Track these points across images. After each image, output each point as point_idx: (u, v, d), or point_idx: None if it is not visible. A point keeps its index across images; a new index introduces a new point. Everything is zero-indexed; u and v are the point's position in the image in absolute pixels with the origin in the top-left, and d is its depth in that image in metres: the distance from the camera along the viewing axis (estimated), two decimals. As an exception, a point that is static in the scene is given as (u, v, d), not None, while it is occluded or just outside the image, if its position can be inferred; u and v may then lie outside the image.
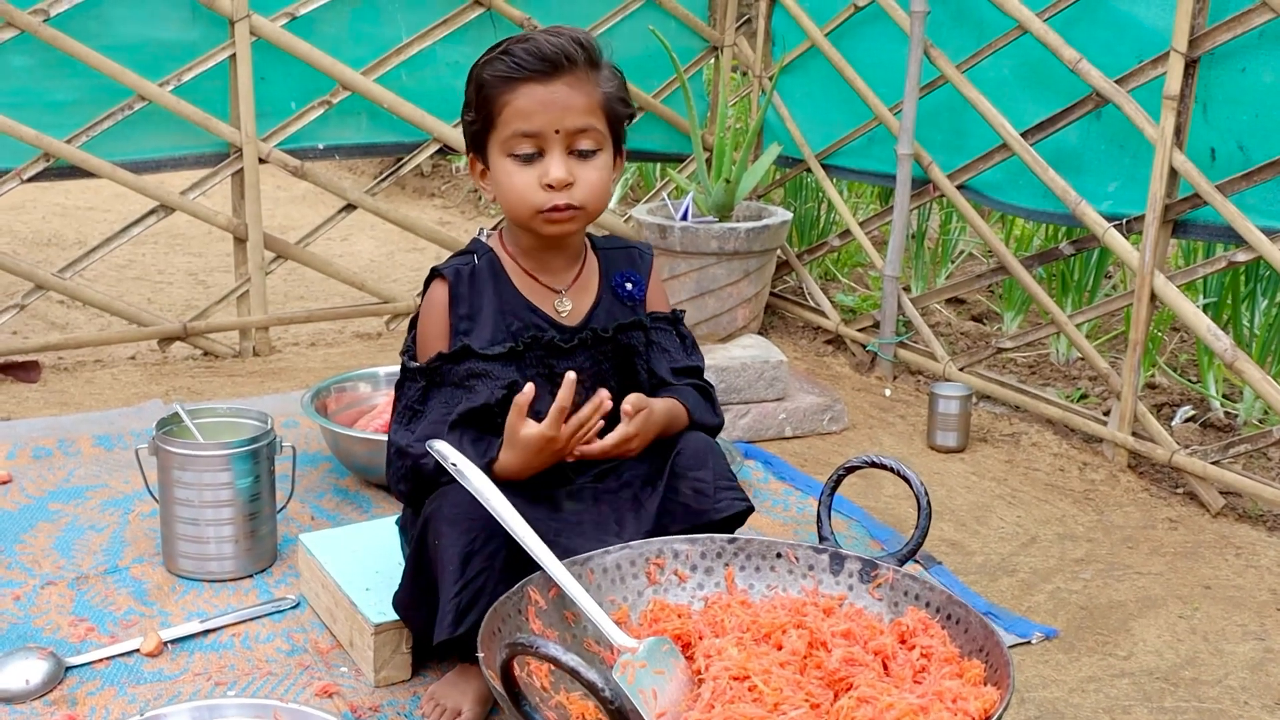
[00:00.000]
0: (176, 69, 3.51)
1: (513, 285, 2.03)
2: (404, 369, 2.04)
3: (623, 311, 2.09)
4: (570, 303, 2.06)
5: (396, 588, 2.04)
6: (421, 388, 2.00)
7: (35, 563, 2.48)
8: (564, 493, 2.05)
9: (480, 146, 2.00)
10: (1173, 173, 2.91)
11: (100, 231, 3.65)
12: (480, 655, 1.48)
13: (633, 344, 2.08)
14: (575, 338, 2.03)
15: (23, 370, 3.51)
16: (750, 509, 2.01)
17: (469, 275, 2.02)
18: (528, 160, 1.94)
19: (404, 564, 2.15)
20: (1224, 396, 3.46)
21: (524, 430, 1.90)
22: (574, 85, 1.93)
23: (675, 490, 1.99)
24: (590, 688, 1.20)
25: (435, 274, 2.04)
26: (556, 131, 1.92)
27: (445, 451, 1.79)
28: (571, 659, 1.21)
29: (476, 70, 1.97)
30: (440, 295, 2.01)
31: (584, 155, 1.95)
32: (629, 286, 2.10)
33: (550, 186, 1.93)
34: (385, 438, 2.71)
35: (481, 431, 1.97)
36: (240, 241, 3.71)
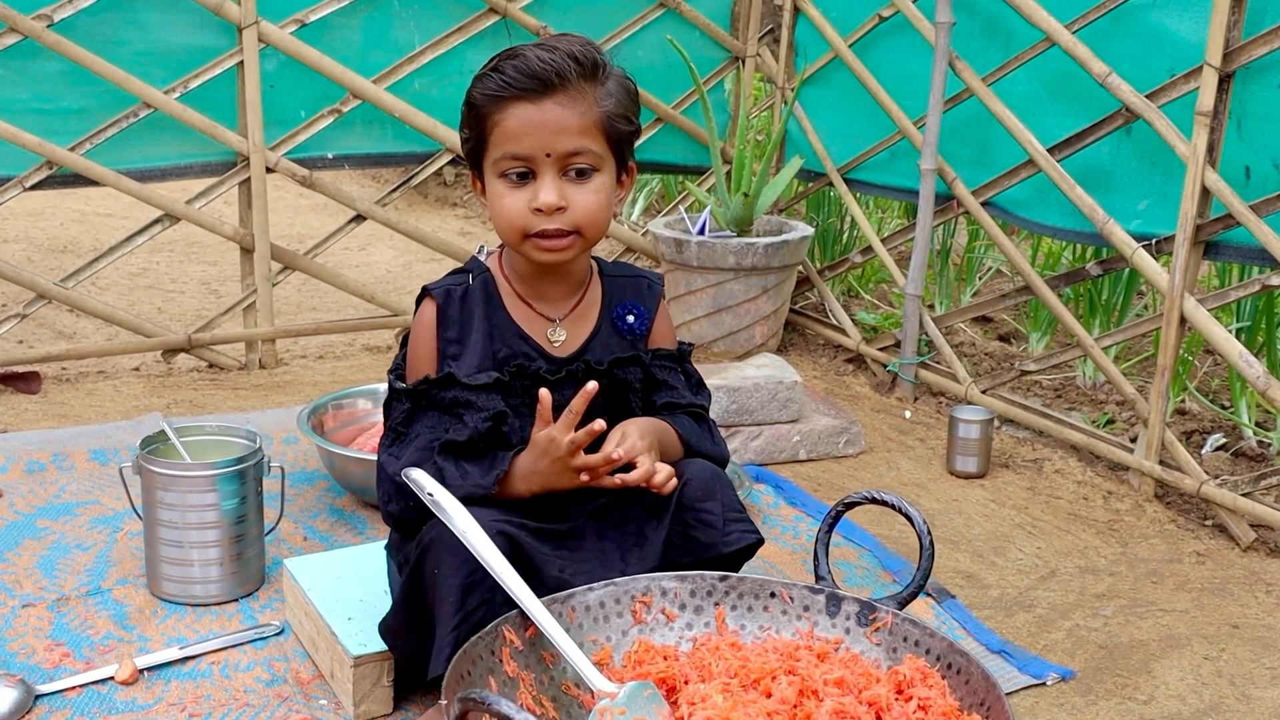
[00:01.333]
0: (183, 76, 3.45)
1: (505, 310, 1.96)
2: (391, 389, 1.97)
3: (621, 346, 2.00)
4: (564, 333, 1.97)
5: (385, 614, 1.96)
6: (407, 410, 1.94)
7: (16, 583, 2.41)
8: (565, 528, 1.96)
9: (476, 164, 1.93)
10: (1205, 191, 2.80)
11: (117, 239, 3.58)
12: (443, 703, 1.39)
13: (628, 379, 1.99)
14: (564, 370, 1.94)
15: (23, 381, 3.45)
16: (760, 541, 1.92)
17: (460, 296, 1.94)
18: (519, 181, 1.86)
19: (392, 589, 2.07)
20: (1257, 424, 3.33)
21: (536, 432, 1.85)
22: (566, 104, 1.82)
23: (683, 523, 1.90)
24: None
25: (425, 293, 1.97)
26: (547, 155, 1.83)
27: (422, 481, 1.71)
28: (524, 717, 1.11)
29: (471, 86, 1.90)
30: (428, 316, 1.94)
31: (580, 176, 1.86)
32: (630, 320, 2.01)
33: (540, 210, 1.84)
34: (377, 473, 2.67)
35: (469, 459, 1.89)
36: (247, 252, 3.65)
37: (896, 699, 1.55)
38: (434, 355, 1.93)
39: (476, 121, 1.87)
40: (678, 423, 1.99)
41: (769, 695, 1.56)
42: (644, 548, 1.91)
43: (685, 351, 2.08)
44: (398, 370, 2.00)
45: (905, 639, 1.65)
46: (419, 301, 1.98)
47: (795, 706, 1.55)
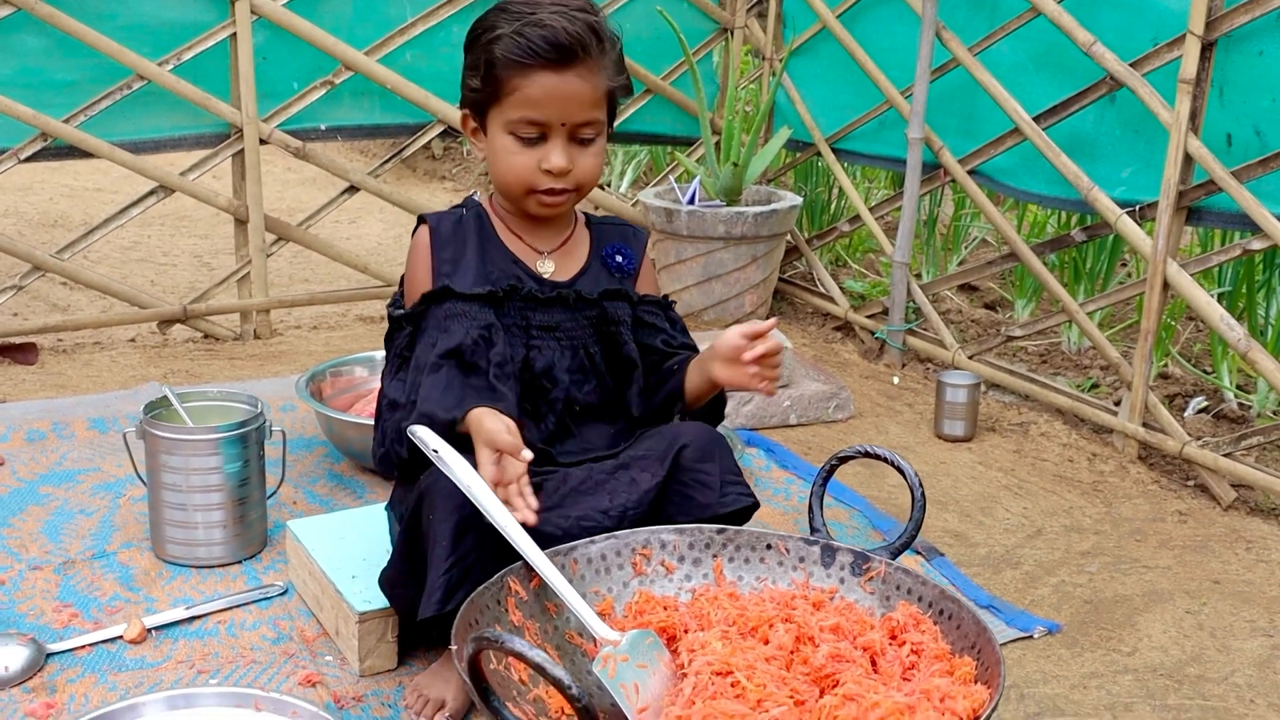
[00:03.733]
0: (176, 48, 3.47)
1: (498, 238, 2.03)
2: (391, 320, 2.03)
3: (610, 281, 2.07)
4: (553, 265, 2.05)
5: (385, 565, 2.00)
6: (408, 334, 1.98)
7: (22, 547, 2.45)
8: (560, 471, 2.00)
9: (479, 110, 1.98)
10: (1187, 158, 2.84)
11: (107, 213, 3.60)
12: (454, 647, 1.44)
13: (616, 314, 2.05)
14: (555, 292, 2.01)
15: (20, 352, 3.48)
16: (756, 505, 1.95)
17: (454, 223, 2.02)
18: (529, 143, 1.93)
19: (394, 546, 2.10)
20: (1238, 388, 3.39)
21: (490, 424, 1.78)
22: (585, 77, 1.90)
23: (681, 483, 1.94)
24: (557, 684, 1.16)
25: (421, 221, 2.04)
26: (563, 124, 1.91)
27: (427, 438, 1.74)
28: (537, 655, 1.16)
29: (484, 39, 1.93)
30: (423, 239, 2.01)
31: (585, 142, 1.95)
32: (619, 259, 2.09)
33: (549, 172, 1.93)
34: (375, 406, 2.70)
35: (463, 372, 1.91)
36: (241, 223, 3.68)
37: (890, 644, 1.60)
38: (430, 276, 1.99)
39: (494, 79, 1.91)
40: (692, 354, 2.07)
41: (766, 642, 1.61)
42: (631, 487, 1.93)
43: (669, 302, 2.16)
44: (397, 303, 2.06)
45: (898, 587, 1.70)
46: (415, 232, 2.05)
47: (792, 653, 1.59)
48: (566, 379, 2.02)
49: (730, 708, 1.43)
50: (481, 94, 1.94)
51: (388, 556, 2.12)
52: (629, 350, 2.05)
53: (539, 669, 1.15)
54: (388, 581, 1.97)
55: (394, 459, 1.95)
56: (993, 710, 1.40)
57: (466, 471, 1.71)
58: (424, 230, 2.03)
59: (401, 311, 2.00)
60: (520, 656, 1.16)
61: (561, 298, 2.01)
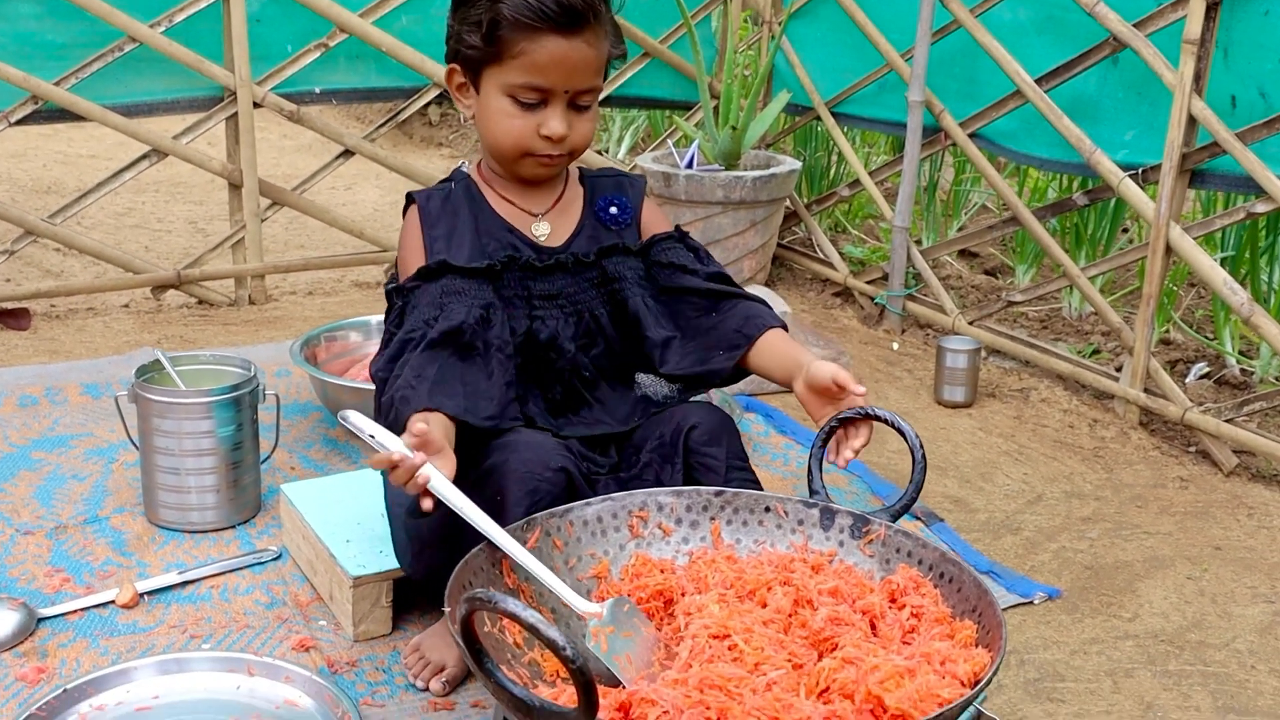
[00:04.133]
0: (169, 10, 3.42)
1: (489, 207, 1.97)
2: (387, 296, 1.96)
3: (606, 237, 2.01)
4: (548, 226, 1.99)
5: (409, 553, 1.95)
6: (399, 309, 1.91)
7: (14, 511, 2.43)
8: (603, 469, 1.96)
9: (473, 68, 1.90)
10: (1191, 120, 2.81)
11: (102, 178, 3.57)
12: (446, 609, 1.41)
13: (617, 271, 2.00)
14: (553, 258, 1.96)
15: (13, 318, 3.45)
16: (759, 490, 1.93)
17: (442, 198, 1.97)
18: (529, 108, 1.87)
19: (390, 513, 2.05)
20: (1240, 353, 3.36)
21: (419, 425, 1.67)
22: (591, 43, 1.85)
23: (688, 465, 1.92)
24: (551, 646, 1.13)
25: (409, 199, 1.99)
26: (566, 91, 1.86)
27: (361, 423, 1.64)
28: (531, 616, 1.14)
29: None
30: (413, 217, 1.97)
31: (582, 108, 1.90)
32: (613, 211, 2.03)
33: (548, 138, 1.88)
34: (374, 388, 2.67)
35: (460, 356, 1.83)
36: (235, 188, 3.64)
37: (890, 607, 1.58)
38: (423, 253, 1.93)
39: (497, 39, 1.84)
40: (759, 319, 1.97)
41: (764, 605, 1.59)
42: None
43: (683, 231, 2.08)
44: (393, 280, 2.00)
45: (898, 550, 1.67)
46: (405, 211, 2.00)
47: (791, 615, 1.57)
48: (572, 347, 1.97)
49: (727, 670, 1.41)
50: (480, 52, 1.87)
51: (382, 521, 2.10)
52: (634, 306, 1.99)
53: (533, 630, 1.13)
54: (428, 569, 1.90)
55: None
56: (994, 673, 1.38)
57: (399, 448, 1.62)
58: (413, 209, 1.97)
59: (396, 284, 1.93)
60: (514, 617, 1.14)
61: (560, 264, 1.96)
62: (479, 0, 1.86)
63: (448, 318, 1.83)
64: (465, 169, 2.03)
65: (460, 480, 1.66)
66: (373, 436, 1.61)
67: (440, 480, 1.60)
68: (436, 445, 1.64)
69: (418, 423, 1.64)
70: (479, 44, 1.86)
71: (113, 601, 2.12)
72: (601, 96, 2.01)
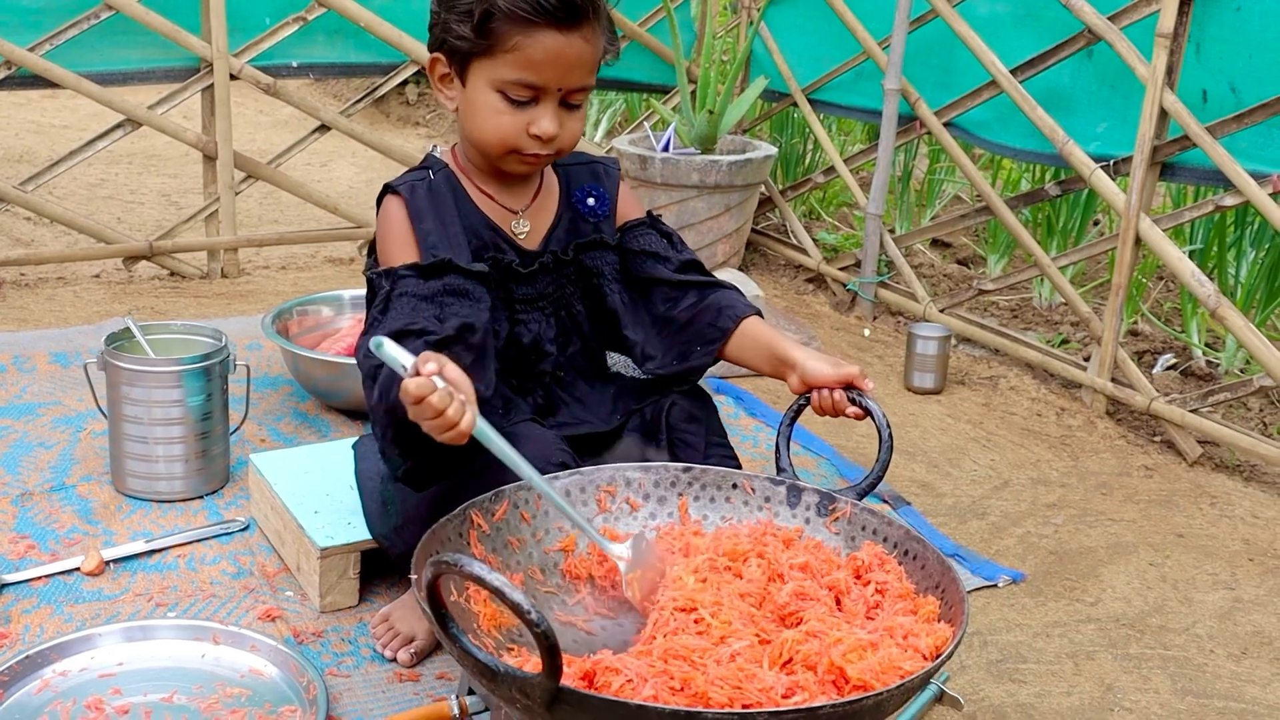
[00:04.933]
0: (146, -21, 3.41)
1: (471, 202, 1.92)
2: (368, 281, 1.88)
3: (584, 229, 1.99)
4: (528, 223, 1.95)
5: (389, 528, 1.95)
6: (385, 295, 1.80)
7: (-20, 478, 2.42)
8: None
9: (460, 59, 1.83)
10: (1163, 113, 2.83)
11: (73, 147, 3.54)
12: (413, 576, 1.42)
13: (595, 266, 1.99)
14: (536, 262, 1.93)
15: (-18, 285, 3.43)
16: (739, 469, 1.93)
17: (426, 190, 1.89)
18: (519, 104, 1.80)
19: (361, 487, 2.05)
20: (1206, 345, 3.39)
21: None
22: (588, 39, 1.79)
23: (669, 442, 1.93)
24: (515, 609, 1.14)
25: (389, 189, 1.90)
26: (559, 89, 1.80)
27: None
28: (496, 579, 1.14)
29: None
30: (398, 210, 1.87)
31: (573, 107, 1.85)
32: (590, 202, 1.99)
33: (537, 137, 1.82)
34: (347, 360, 2.67)
35: (469, 351, 1.77)
36: (210, 160, 3.62)
37: (855, 583, 1.60)
38: (413, 247, 1.85)
39: (489, 31, 1.77)
40: (733, 309, 1.95)
41: (740, 576, 1.60)
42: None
43: (656, 215, 2.06)
44: (374, 270, 1.91)
45: (864, 528, 1.69)
46: (380, 201, 1.92)
47: (764, 588, 1.59)
48: (554, 349, 1.96)
49: (692, 642, 1.42)
50: (469, 44, 1.79)
51: (352, 493, 2.10)
52: (612, 303, 1.98)
53: (498, 593, 1.14)
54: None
55: (385, 423, 1.76)
56: (955, 647, 1.40)
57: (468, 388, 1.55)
58: (395, 201, 1.87)
59: (380, 270, 1.84)
60: (479, 581, 1.14)
61: (543, 267, 1.93)
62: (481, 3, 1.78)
63: (458, 315, 1.77)
64: (438, 153, 1.97)
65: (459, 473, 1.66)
66: (405, 367, 1.49)
67: (482, 423, 1.51)
68: (464, 387, 1.53)
69: (428, 362, 1.49)
70: (469, 35, 1.78)
71: (78, 569, 2.11)
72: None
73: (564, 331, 1.98)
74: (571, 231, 1.98)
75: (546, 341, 1.95)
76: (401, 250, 1.85)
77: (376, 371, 1.71)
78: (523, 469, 1.54)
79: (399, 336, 1.67)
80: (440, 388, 1.45)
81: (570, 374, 2.01)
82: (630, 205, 2.05)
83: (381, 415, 1.71)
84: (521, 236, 1.94)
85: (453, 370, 1.50)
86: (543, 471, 1.72)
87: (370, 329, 1.80)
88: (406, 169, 1.99)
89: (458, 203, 1.91)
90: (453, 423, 1.47)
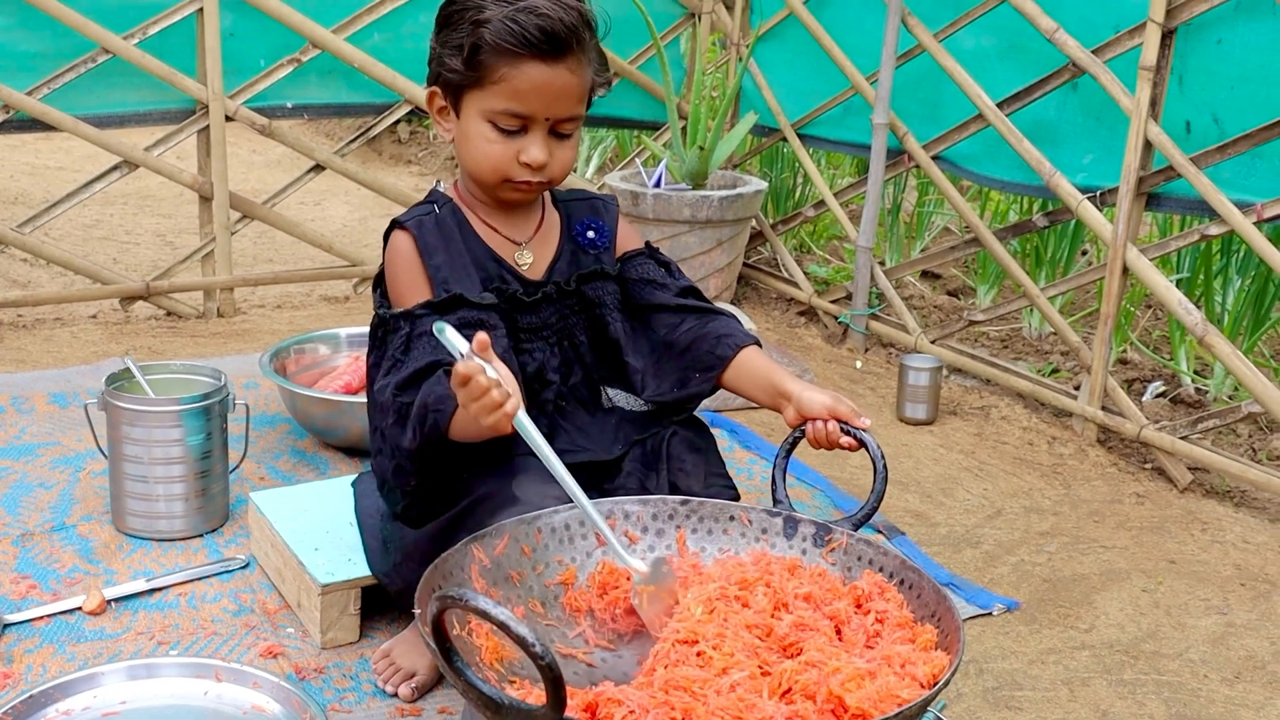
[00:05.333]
0: (142, 22, 3.44)
1: (476, 234, 1.96)
2: (384, 320, 1.90)
3: (585, 261, 2.03)
4: (531, 255, 1.99)
5: (388, 564, 1.98)
6: (405, 335, 1.85)
7: (-19, 519, 2.43)
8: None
9: (454, 92, 1.89)
10: (1148, 145, 2.88)
11: (71, 190, 3.57)
12: (417, 611, 1.44)
13: (597, 296, 2.02)
14: (540, 291, 1.97)
15: (-20, 327, 3.45)
16: (737, 498, 1.96)
17: (434, 225, 1.94)
18: (509, 134, 1.86)
19: (361, 524, 2.08)
20: (1195, 373, 3.43)
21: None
22: (575, 70, 1.84)
23: (669, 470, 1.95)
24: (520, 642, 1.16)
25: (396, 225, 1.95)
26: (546, 118, 1.85)
27: (454, 339, 1.60)
28: (502, 613, 1.16)
29: (470, 17, 1.83)
30: (407, 246, 1.91)
31: (563, 136, 1.89)
32: (590, 235, 2.04)
33: (527, 165, 1.87)
34: (344, 398, 2.69)
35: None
36: (205, 200, 3.65)
37: (855, 612, 1.62)
38: (424, 282, 1.89)
39: (478, 64, 1.82)
40: (732, 338, 2.00)
41: (747, 606, 1.62)
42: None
43: (652, 247, 2.10)
44: (385, 308, 1.95)
45: (860, 558, 1.71)
46: (387, 236, 1.96)
47: (771, 618, 1.60)
48: (557, 379, 1.99)
49: (693, 673, 1.44)
50: (461, 76, 1.85)
51: (351, 530, 2.12)
52: (614, 332, 2.01)
53: (503, 627, 1.16)
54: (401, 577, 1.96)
55: (399, 458, 1.84)
56: (952, 674, 1.42)
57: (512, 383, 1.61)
58: (403, 237, 1.92)
59: (399, 310, 1.88)
60: (484, 615, 1.16)
61: (546, 297, 1.97)
62: (461, 24, 1.84)
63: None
64: (442, 189, 2.02)
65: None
66: (462, 355, 1.57)
67: (524, 414, 1.61)
68: (509, 379, 1.61)
69: (483, 350, 1.57)
70: (460, 68, 1.84)
71: (79, 608, 2.12)
72: (576, 119, 1.99)
73: (567, 361, 2.01)
74: (573, 263, 2.02)
75: (550, 370, 1.98)
76: (413, 286, 1.91)
77: (406, 409, 1.77)
78: (556, 468, 1.63)
79: (427, 371, 1.78)
80: (490, 375, 1.55)
81: (572, 403, 2.03)
82: (629, 238, 2.10)
83: (410, 445, 1.78)
84: (525, 267, 1.98)
85: (500, 365, 1.60)
86: (543, 505, 1.75)
87: (394, 369, 1.83)
88: (408, 206, 2.03)
89: (463, 235, 1.96)
90: (498, 403, 1.56)
